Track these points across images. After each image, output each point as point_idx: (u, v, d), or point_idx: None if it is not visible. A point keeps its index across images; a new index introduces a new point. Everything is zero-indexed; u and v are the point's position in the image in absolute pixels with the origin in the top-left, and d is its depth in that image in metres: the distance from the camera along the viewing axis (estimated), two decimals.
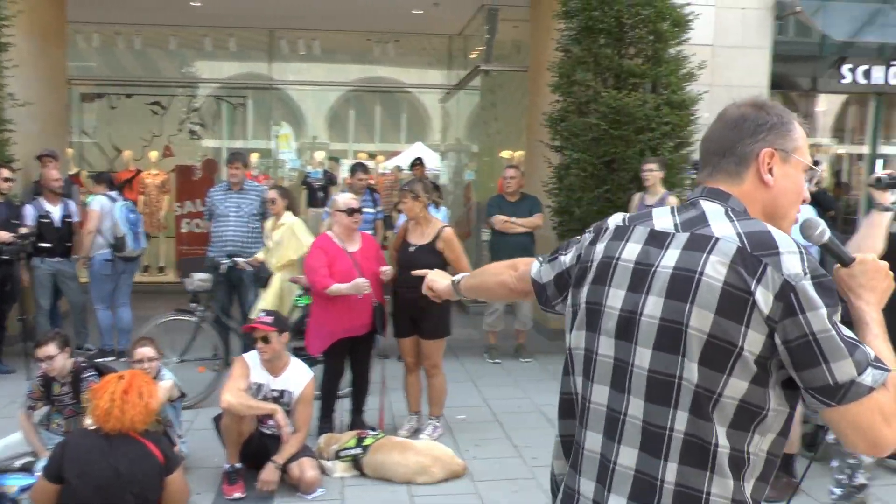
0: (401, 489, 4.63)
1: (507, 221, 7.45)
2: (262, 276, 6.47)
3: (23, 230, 6.77)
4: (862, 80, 9.74)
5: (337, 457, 4.90)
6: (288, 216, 6.35)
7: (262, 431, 4.70)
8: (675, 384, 1.50)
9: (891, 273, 1.61)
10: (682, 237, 1.56)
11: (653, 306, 1.54)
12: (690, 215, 1.61)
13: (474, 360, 7.60)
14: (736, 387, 1.47)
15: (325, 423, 5.43)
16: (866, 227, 3.37)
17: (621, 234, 1.67)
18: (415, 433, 5.48)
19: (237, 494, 4.52)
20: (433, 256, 5.26)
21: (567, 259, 1.82)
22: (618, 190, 7.40)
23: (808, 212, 4.34)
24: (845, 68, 9.71)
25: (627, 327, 1.58)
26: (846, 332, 1.44)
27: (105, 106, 13.16)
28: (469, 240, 10.81)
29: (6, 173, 6.89)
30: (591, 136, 7.35)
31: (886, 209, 3.32)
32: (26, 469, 4.46)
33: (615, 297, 1.61)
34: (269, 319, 4.64)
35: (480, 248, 9.91)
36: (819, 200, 7.67)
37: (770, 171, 1.62)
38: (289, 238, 6.26)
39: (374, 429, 5.32)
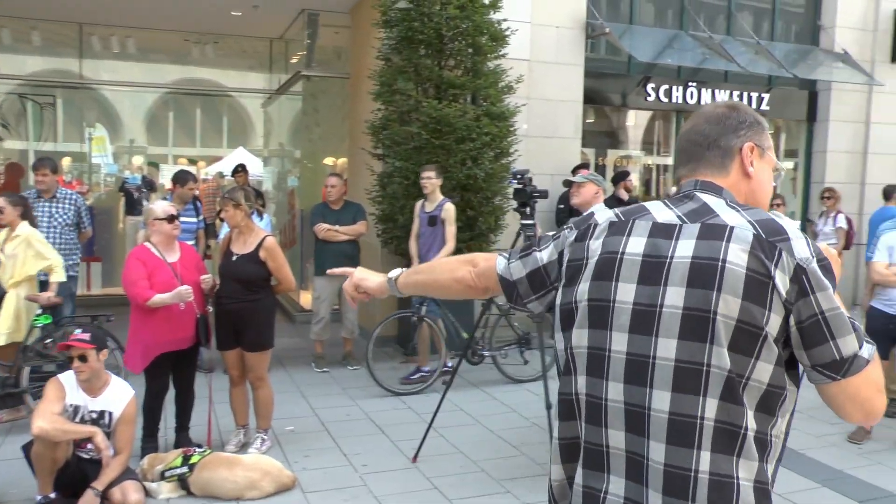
0: None
1: (329, 230, 7.47)
2: None
3: None
4: (664, 99, 10.59)
5: (162, 477, 4.73)
6: (23, 226, 5.85)
7: (80, 456, 4.47)
8: (703, 371, 1.53)
9: (840, 261, 1.77)
10: (693, 227, 1.60)
11: (674, 296, 1.56)
12: (692, 207, 1.66)
13: (302, 370, 7.58)
14: (763, 370, 1.53)
15: (149, 442, 5.22)
16: None
17: (620, 229, 1.68)
18: (243, 447, 5.40)
19: None
20: (255, 266, 5.23)
21: (544, 256, 1.82)
22: None
23: None
24: (650, 87, 10.52)
25: (644, 320, 1.59)
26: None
27: None
28: (294, 248, 10.75)
29: None
30: (413, 145, 7.53)
31: None
32: None
33: (625, 292, 1.62)
34: (86, 336, 4.40)
35: (306, 257, 9.86)
36: None
37: (751, 163, 1.73)
38: (25, 251, 5.81)
39: (200, 446, 5.19)
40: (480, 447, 5.54)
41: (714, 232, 1.57)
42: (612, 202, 7.99)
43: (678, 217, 1.64)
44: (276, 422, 5.75)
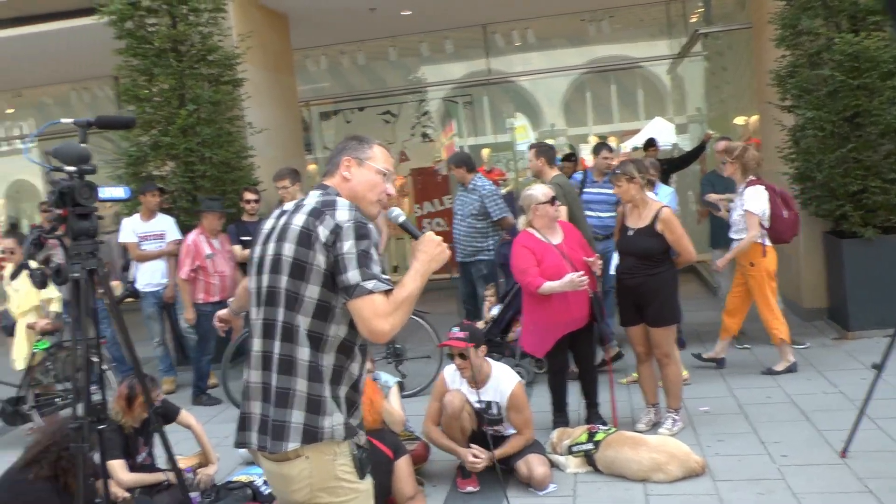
0: (635, 487, 4.40)
1: (719, 200, 6.82)
2: (6, 326, 6.66)
3: None
4: None
5: (569, 452, 4.78)
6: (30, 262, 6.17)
7: (485, 432, 4.69)
8: (292, 295, 2.35)
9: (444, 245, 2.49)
10: (292, 207, 2.50)
11: (271, 249, 2.44)
12: (300, 200, 2.53)
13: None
14: (312, 290, 2.32)
15: (559, 417, 5.32)
16: None
17: (272, 215, 2.59)
18: (654, 427, 5.22)
19: (470, 488, 4.57)
20: (653, 239, 5.02)
21: None
22: (865, 148, 6.57)
23: None
24: None
25: (264, 265, 2.47)
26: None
27: (341, 121, 14.00)
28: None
29: (249, 195, 7.45)
30: (826, 90, 6.62)
31: None
32: None
33: (257, 251, 2.51)
34: (463, 335, 4.52)
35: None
36: None
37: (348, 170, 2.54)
38: (29, 284, 6.02)
39: (605, 423, 5.14)
40: None
41: (298, 209, 2.45)
42: None
43: (294, 205, 2.51)
44: (690, 401, 5.48)
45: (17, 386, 6.24)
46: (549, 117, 14.50)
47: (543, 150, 6.62)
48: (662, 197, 6.67)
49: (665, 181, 8.00)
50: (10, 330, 6.65)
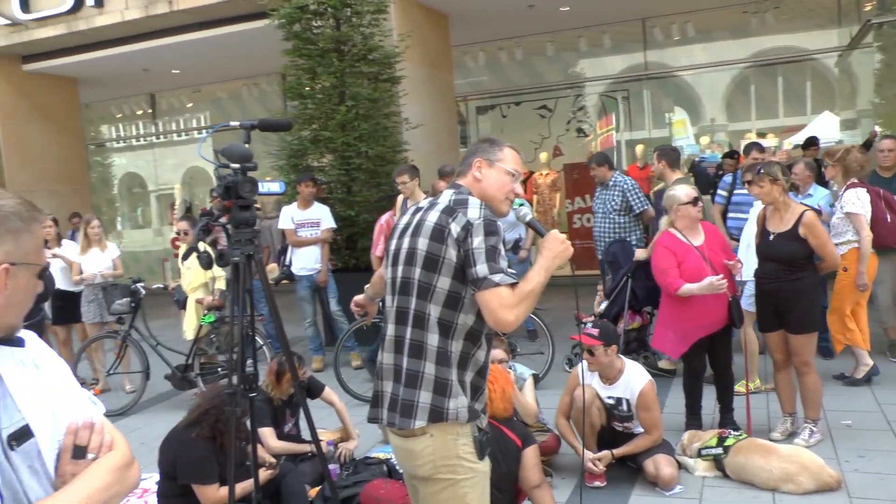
0: (764, 496, 4.34)
1: None
2: (178, 300, 7.32)
3: None
4: None
5: (699, 455, 4.77)
6: (200, 245, 6.53)
7: (614, 428, 4.78)
8: (413, 283, 2.57)
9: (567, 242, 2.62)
10: (429, 208, 2.65)
11: (406, 243, 2.62)
12: (435, 198, 2.70)
13: (874, 358, 6.68)
14: (443, 282, 2.50)
15: (693, 419, 5.29)
16: None
17: (405, 212, 2.81)
18: (789, 437, 5.10)
19: (597, 483, 4.65)
20: (795, 244, 4.88)
21: None
22: None
23: None
24: None
25: (397, 257, 2.67)
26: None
27: (497, 115, 14.25)
28: None
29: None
30: None
31: None
32: None
33: (391, 244, 2.71)
34: (595, 332, 4.60)
35: None
36: None
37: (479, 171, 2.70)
38: (197, 263, 6.31)
39: (738, 429, 5.07)
40: None
41: (432, 207, 2.63)
42: None
43: (428, 203, 2.70)
44: (831, 413, 5.29)
45: (186, 354, 6.94)
46: (710, 112, 14.04)
47: (665, 153, 6.57)
48: (818, 199, 6.45)
49: (823, 182, 7.65)
50: (182, 304, 7.35)
